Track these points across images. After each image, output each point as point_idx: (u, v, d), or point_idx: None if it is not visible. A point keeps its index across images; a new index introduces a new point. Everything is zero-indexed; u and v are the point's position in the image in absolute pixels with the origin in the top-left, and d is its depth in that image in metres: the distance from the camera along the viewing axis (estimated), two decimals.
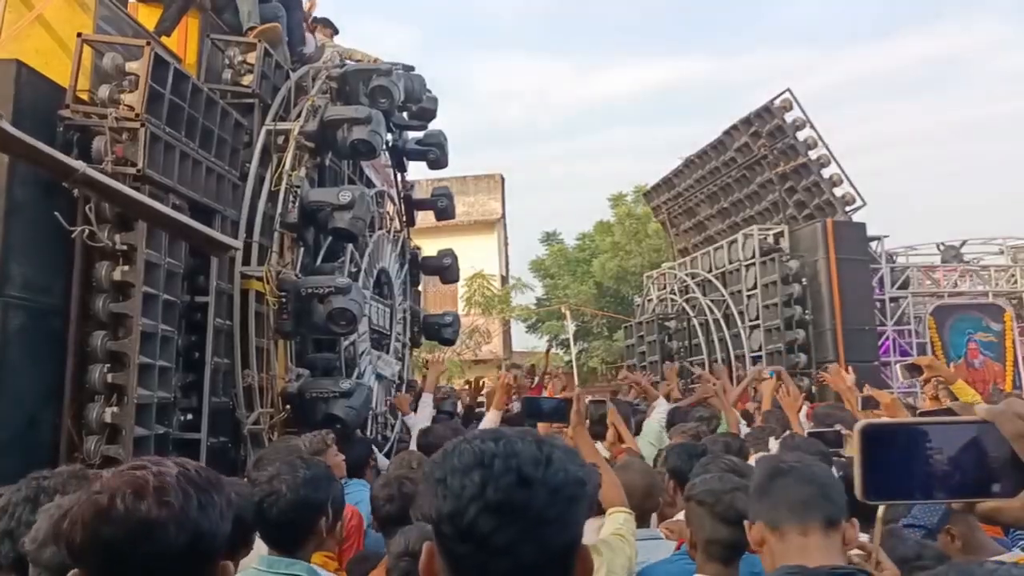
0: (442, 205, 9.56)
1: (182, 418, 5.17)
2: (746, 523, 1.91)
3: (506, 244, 29.17)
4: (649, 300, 17.18)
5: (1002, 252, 15.97)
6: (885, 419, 1.00)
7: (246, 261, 5.80)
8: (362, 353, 7.24)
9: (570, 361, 22.41)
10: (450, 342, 10.86)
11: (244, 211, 5.89)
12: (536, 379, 11.51)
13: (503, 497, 0.95)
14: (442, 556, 1.00)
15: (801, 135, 13.41)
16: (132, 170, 4.49)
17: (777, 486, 1.82)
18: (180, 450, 5.07)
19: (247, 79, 6.23)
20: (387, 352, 8.14)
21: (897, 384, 11.36)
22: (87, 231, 4.41)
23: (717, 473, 2.46)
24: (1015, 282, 15.11)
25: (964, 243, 15.79)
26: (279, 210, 6.12)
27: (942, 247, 15.64)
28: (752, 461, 3.53)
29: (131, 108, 4.56)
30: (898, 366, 12.80)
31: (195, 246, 5.04)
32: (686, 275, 15.27)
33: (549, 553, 0.97)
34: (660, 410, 5.84)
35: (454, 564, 0.99)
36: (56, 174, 3.78)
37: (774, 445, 4.70)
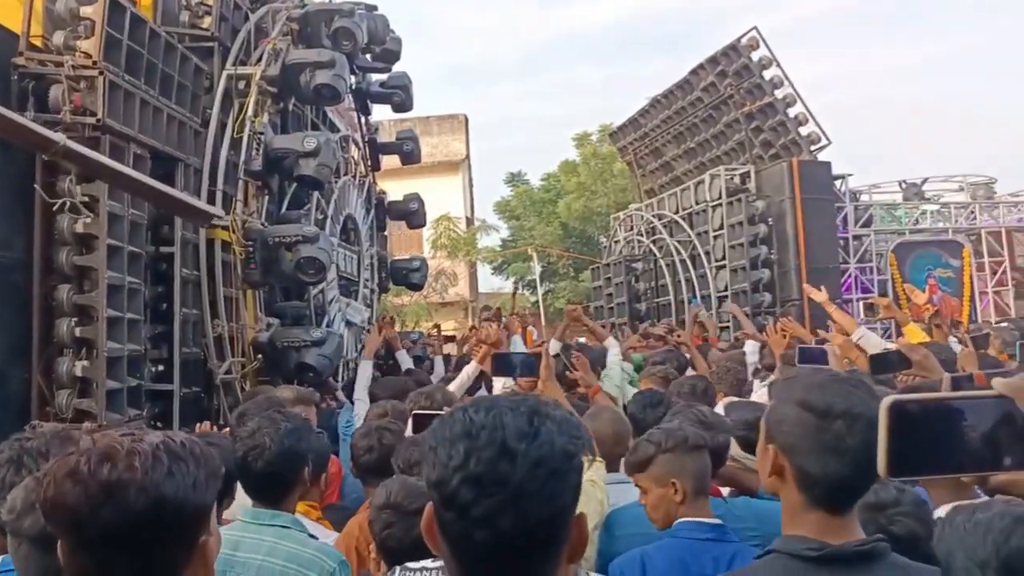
0: (408, 149, 9.44)
1: (153, 370, 5.15)
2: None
3: (471, 186, 28.93)
4: (616, 242, 17.25)
5: (962, 189, 16.25)
6: (911, 396, 1.00)
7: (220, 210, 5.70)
8: (331, 301, 7.22)
9: (537, 302, 22.55)
10: (418, 287, 10.87)
11: (207, 159, 5.77)
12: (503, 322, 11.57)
13: (484, 469, 0.98)
14: (435, 519, 1.03)
15: (767, 74, 13.38)
16: (91, 120, 4.37)
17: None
18: (153, 402, 5.07)
19: (206, 21, 6.05)
20: (356, 299, 8.13)
21: (859, 320, 11.63)
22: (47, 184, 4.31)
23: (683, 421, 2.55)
24: (974, 219, 15.42)
25: (925, 181, 16.03)
26: (243, 158, 6.01)
27: (904, 185, 15.86)
28: (721, 405, 3.61)
29: (88, 55, 4.42)
30: (860, 304, 13.16)
31: (177, 215, 4.96)
32: (653, 216, 15.33)
33: (529, 525, 0.98)
34: (613, 352, 5.85)
35: (442, 529, 1.02)
36: (35, 147, 3.66)
37: (760, 390, 4.80)
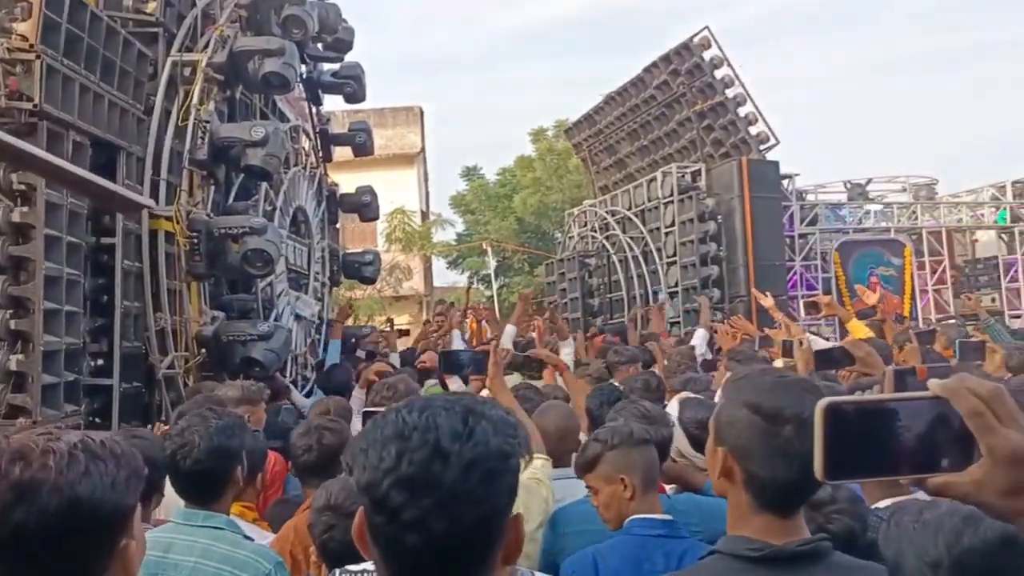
0: (360, 140, 9.32)
1: (92, 364, 5.02)
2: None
3: (426, 179, 28.77)
4: (570, 237, 17.31)
5: (905, 190, 16.66)
6: (846, 397, 0.99)
7: (154, 200, 5.56)
8: (280, 294, 7.11)
9: (491, 297, 22.55)
10: (371, 281, 10.76)
11: (150, 147, 5.63)
12: (459, 315, 11.53)
13: (415, 471, 0.95)
14: (366, 523, 1.00)
15: (719, 73, 13.53)
16: (28, 105, 4.23)
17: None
18: (91, 396, 4.94)
19: (150, 6, 5.88)
20: (306, 292, 8.01)
21: (801, 319, 11.87)
22: None
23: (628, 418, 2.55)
24: (915, 219, 15.82)
25: (869, 181, 16.39)
26: (187, 146, 5.87)
27: (849, 185, 16.20)
28: (674, 402, 3.62)
29: (24, 38, 4.27)
30: (801, 302, 13.43)
31: (108, 208, 4.82)
32: (606, 212, 15.41)
33: (462, 528, 0.97)
34: (566, 351, 5.86)
35: (373, 533, 1.00)
36: None
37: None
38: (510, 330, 5.68)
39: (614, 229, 14.97)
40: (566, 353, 5.73)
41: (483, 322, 10.62)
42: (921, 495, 1.66)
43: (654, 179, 13.74)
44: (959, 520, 1.30)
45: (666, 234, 13.28)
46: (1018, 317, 15.04)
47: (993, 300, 15.85)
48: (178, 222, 5.60)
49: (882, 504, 2.16)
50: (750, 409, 1.48)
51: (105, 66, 5.01)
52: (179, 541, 2.11)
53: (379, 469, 0.96)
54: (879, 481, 1.63)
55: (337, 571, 1.86)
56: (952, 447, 0.93)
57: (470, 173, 30.77)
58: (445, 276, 29.56)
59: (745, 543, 1.46)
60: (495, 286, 23.23)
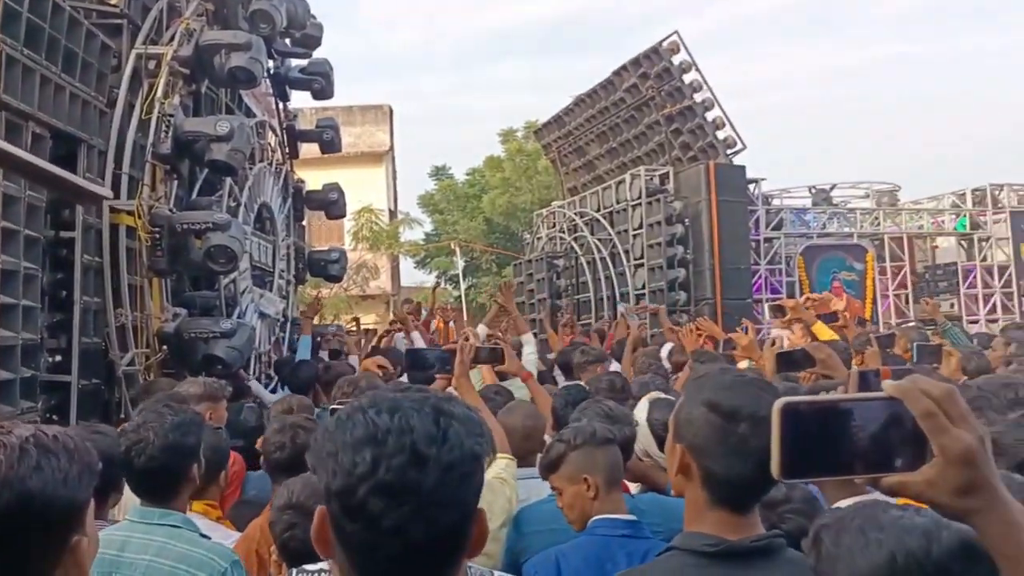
0: (328, 137, 9.23)
1: (50, 360, 4.92)
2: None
3: (395, 178, 28.63)
4: (539, 238, 17.34)
5: (867, 196, 16.94)
6: (802, 397, 1.00)
7: (115, 194, 5.47)
8: (243, 291, 7.03)
9: (459, 297, 22.50)
10: (336, 279, 10.68)
11: (112, 140, 5.53)
12: (424, 315, 11.49)
13: (394, 478, 0.93)
14: (332, 529, 0.98)
15: (687, 78, 13.66)
16: None
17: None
18: (49, 393, 4.84)
19: None
20: (270, 290, 7.93)
21: (766, 322, 12.02)
22: None
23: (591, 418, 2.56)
24: (878, 224, 16.09)
25: (833, 187, 16.64)
26: (151, 140, 5.78)
27: (813, 190, 16.43)
28: (644, 402, 3.62)
29: None
30: (767, 305, 13.61)
31: (63, 198, 4.72)
32: (575, 214, 15.47)
33: (439, 531, 0.96)
34: (528, 348, 5.82)
35: (343, 540, 0.97)
36: None
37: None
38: (482, 330, 5.66)
39: (582, 231, 15.03)
40: (529, 351, 5.65)
41: (450, 323, 10.60)
42: (878, 495, 1.67)
43: (623, 181, 13.83)
44: (903, 537, 1.28)
45: (634, 236, 13.37)
46: (976, 323, 15.35)
47: (952, 306, 16.18)
48: (140, 217, 5.51)
49: (843, 504, 2.18)
50: (708, 407, 1.50)
51: (67, 57, 4.92)
52: (134, 539, 2.07)
53: (354, 475, 0.93)
54: (836, 480, 1.65)
55: (294, 571, 1.84)
56: (906, 447, 0.94)
57: (439, 173, 30.75)
58: (413, 276, 29.51)
59: (701, 539, 1.48)
60: (463, 286, 23.18)
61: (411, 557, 0.95)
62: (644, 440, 2.96)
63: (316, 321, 8.74)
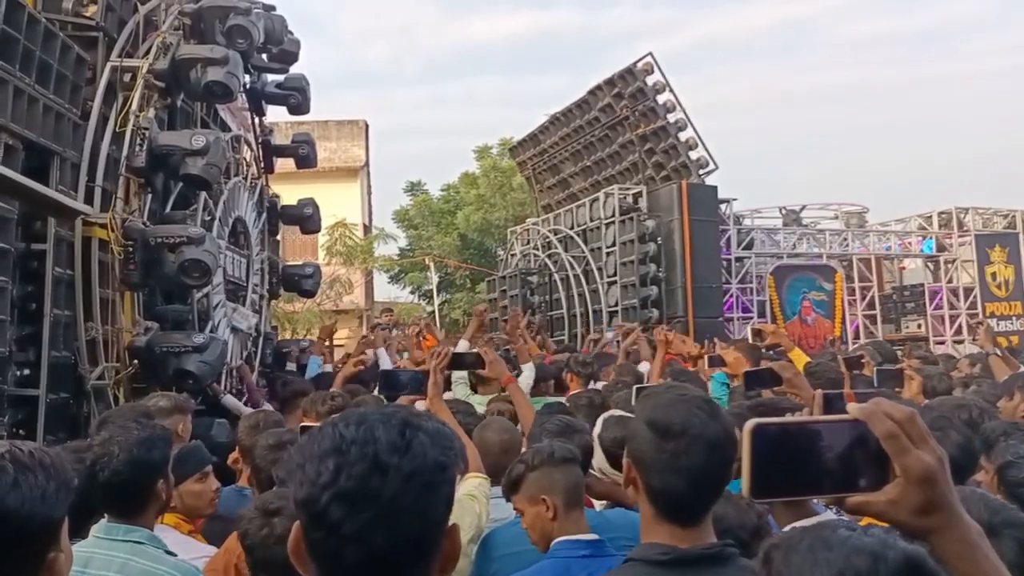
0: (303, 152, 9.22)
1: (18, 373, 4.85)
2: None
3: (369, 193, 28.59)
4: (513, 255, 17.41)
5: (837, 217, 17.23)
6: (773, 419, 1.04)
7: (89, 206, 5.43)
8: (216, 305, 6.98)
9: (432, 312, 22.47)
10: (310, 294, 10.63)
11: (86, 153, 5.50)
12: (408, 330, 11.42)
13: (355, 485, 0.95)
14: (303, 539, 1.00)
15: (661, 98, 13.84)
16: None
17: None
18: (16, 407, 4.78)
19: (91, 10, 5.77)
20: (243, 304, 7.89)
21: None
22: None
23: (548, 439, 2.58)
24: (846, 245, 16.35)
25: (804, 208, 16.91)
26: (125, 153, 5.75)
27: (784, 211, 16.68)
28: (600, 419, 3.65)
29: None
30: (748, 328, 13.77)
31: (38, 212, 4.69)
32: (549, 231, 15.56)
33: (400, 541, 0.97)
34: (527, 374, 5.79)
35: (311, 549, 0.99)
36: None
37: None
38: (463, 345, 5.66)
39: (556, 248, 15.12)
40: (524, 377, 5.51)
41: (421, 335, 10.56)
42: (825, 516, 1.72)
43: (596, 199, 13.96)
44: (851, 557, 1.31)
45: (607, 254, 13.48)
46: (943, 343, 15.63)
47: (919, 326, 16.46)
48: (113, 230, 5.47)
49: (798, 525, 2.22)
50: (647, 423, 1.59)
51: (41, 69, 4.90)
52: (98, 556, 2.06)
53: (317, 484, 0.96)
54: (788, 503, 1.69)
55: None
56: (869, 467, 0.98)
57: (414, 188, 30.75)
58: (387, 291, 29.42)
59: (655, 548, 1.55)
60: (437, 302, 23.16)
61: (374, 566, 0.96)
62: (598, 458, 2.98)
63: (288, 335, 8.71)
